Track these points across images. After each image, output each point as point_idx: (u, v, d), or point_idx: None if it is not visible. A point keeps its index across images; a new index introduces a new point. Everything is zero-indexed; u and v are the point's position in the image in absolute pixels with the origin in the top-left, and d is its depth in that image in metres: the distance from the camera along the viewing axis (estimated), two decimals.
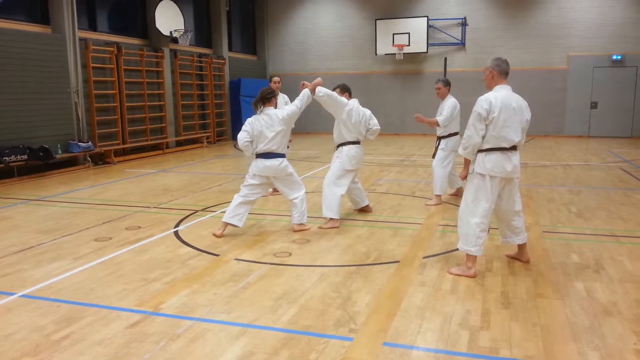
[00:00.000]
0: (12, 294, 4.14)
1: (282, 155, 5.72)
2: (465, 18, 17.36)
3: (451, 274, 4.45)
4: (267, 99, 5.68)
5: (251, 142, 5.67)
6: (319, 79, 5.91)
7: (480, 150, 4.33)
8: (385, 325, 3.51)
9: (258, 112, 5.67)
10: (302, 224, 5.88)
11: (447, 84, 7.17)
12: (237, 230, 5.83)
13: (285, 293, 4.08)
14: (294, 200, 5.82)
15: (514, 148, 4.34)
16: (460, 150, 4.44)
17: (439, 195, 7.17)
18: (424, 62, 18.11)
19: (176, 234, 5.86)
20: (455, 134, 7.16)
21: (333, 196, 6.00)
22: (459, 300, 3.92)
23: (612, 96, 16.49)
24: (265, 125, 5.59)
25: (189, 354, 3.15)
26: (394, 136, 17.60)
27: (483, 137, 4.28)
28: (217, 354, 3.15)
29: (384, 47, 17.83)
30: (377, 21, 17.88)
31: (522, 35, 17.00)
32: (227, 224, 5.69)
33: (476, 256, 4.42)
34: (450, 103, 7.05)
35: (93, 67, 11.74)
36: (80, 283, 4.37)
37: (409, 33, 17.49)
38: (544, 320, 3.55)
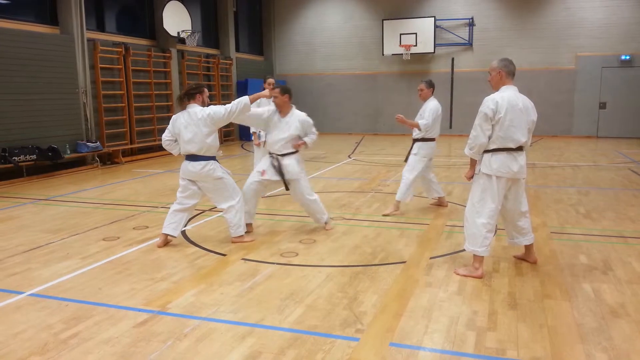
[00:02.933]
0: (21, 292, 4.18)
1: (209, 158, 5.20)
2: (472, 18, 17.31)
3: (458, 274, 4.45)
4: (191, 94, 5.20)
5: (174, 141, 5.29)
6: (265, 92, 5.52)
7: (486, 151, 4.33)
8: (392, 325, 3.51)
9: (183, 108, 5.23)
10: (240, 236, 5.44)
11: (430, 85, 6.69)
12: None
13: (292, 293, 4.09)
14: (224, 214, 5.39)
15: (520, 148, 4.33)
16: (466, 151, 4.43)
17: (399, 202, 6.68)
18: (431, 63, 18.07)
19: (183, 233, 5.87)
20: (432, 139, 6.71)
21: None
22: (465, 301, 3.91)
23: (620, 96, 16.38)
24: (184, 124, 5.13)
25: (195, 354, 3.16)
26: (400, 136, 17.55)
27: (489, 138, 4.28)
28: (224, 353, 3.16)
29: (391, 47, 17.81)
30: (384, 21, 17.86)
31: (530, 35, 16.92)
32: (165, 235, 5.35)
33: (483, 257, 4.41)
34: (432, 106, 6.59)
35: (101, 68, 11.80)
36: (88, 282, 4.39)
37: (416, 33, 17.47)
38: (551, 322, 3.54)
